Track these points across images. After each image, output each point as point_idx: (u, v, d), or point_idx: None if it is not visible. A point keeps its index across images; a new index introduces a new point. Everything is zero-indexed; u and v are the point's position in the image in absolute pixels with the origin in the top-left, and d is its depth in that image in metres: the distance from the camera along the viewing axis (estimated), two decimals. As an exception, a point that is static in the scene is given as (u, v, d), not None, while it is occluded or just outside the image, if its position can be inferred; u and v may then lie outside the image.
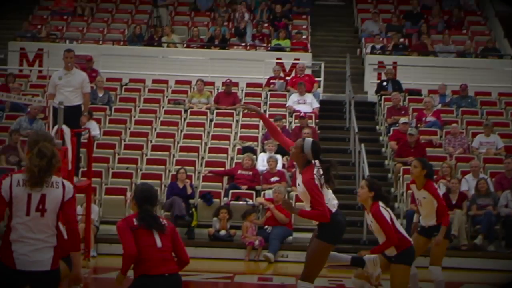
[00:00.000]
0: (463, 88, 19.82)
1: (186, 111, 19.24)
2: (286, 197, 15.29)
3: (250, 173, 16.50)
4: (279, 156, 16.84)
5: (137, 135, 18.19)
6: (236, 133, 18.54)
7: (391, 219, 8.20)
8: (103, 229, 15.44)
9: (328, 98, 20.96)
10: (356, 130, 17.62)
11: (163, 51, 21.78)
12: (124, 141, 18.02)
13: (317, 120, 19.05)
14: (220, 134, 18.42)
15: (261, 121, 18.86)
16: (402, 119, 18.00)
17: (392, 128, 18.27)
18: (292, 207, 7.67)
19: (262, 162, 16.85)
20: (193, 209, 15.81)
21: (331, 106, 20.46)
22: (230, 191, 16.15)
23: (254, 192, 16.25)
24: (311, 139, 7.52)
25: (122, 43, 22.32)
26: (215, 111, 19.24)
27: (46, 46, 21.00)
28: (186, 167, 16.28)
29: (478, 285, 14.01)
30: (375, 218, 8.11)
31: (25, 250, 5.31)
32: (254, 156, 16.90)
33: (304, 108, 19.05)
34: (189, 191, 15.92)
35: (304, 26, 23.56)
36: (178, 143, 18.03)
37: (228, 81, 19.55)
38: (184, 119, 18.98)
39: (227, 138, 18.26)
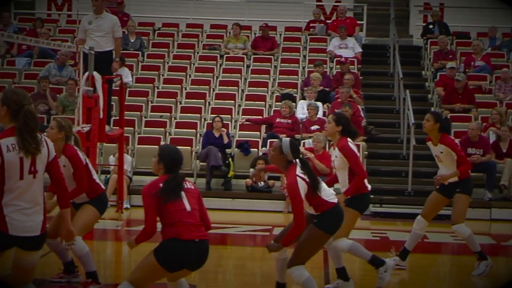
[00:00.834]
0: (514, 31, 19.85)
1: (221, 56, 19.13)
2: (326, 146, 14.80)
3: (289, 121, 16.28)
4: (319, 104, 16.67)
5: (171, 82, 18.09)
6: (274, 80, 18.38)
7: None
8: (136, 180, 15.33)
9: (371, 42, 20.73)
10: (401, 75, 17.38)
11: (198, -6, 21.80)
12: (157, 88, 17.97)
13: (359, 66, 18.82)
14: (257, 81, 18.23)
15: (300, 67, 18.37)
16: (450, 64, 17.68)
17: (438, 74, 18.03)
18: (276, 245, 7.13)
19: (301, 109, 16.67)
20: (230, 159, 15.65)
21: (374, 51, 20.20)
22: (268, 140, 15.90)
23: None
24: (288, 139, 7.22)
25: (155, -15, 22.02)
26: (252, 57, 19.08)
27: (75, -11, 21.13)
28: (222, 115, 16.18)
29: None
30: (343, 152, 7.99)
31: (18, 215, 5.38)
32: (293, 104, 16.72)
33: (346, 53, 18.79)
34: (226, 140, 15.73)
35: (346, -33, 23.14)
36: (213, 90, 17.93)
37: (265, 25, 19.37)
38: (220, 65, 18.82)
39: (265, 84, 18.10)
